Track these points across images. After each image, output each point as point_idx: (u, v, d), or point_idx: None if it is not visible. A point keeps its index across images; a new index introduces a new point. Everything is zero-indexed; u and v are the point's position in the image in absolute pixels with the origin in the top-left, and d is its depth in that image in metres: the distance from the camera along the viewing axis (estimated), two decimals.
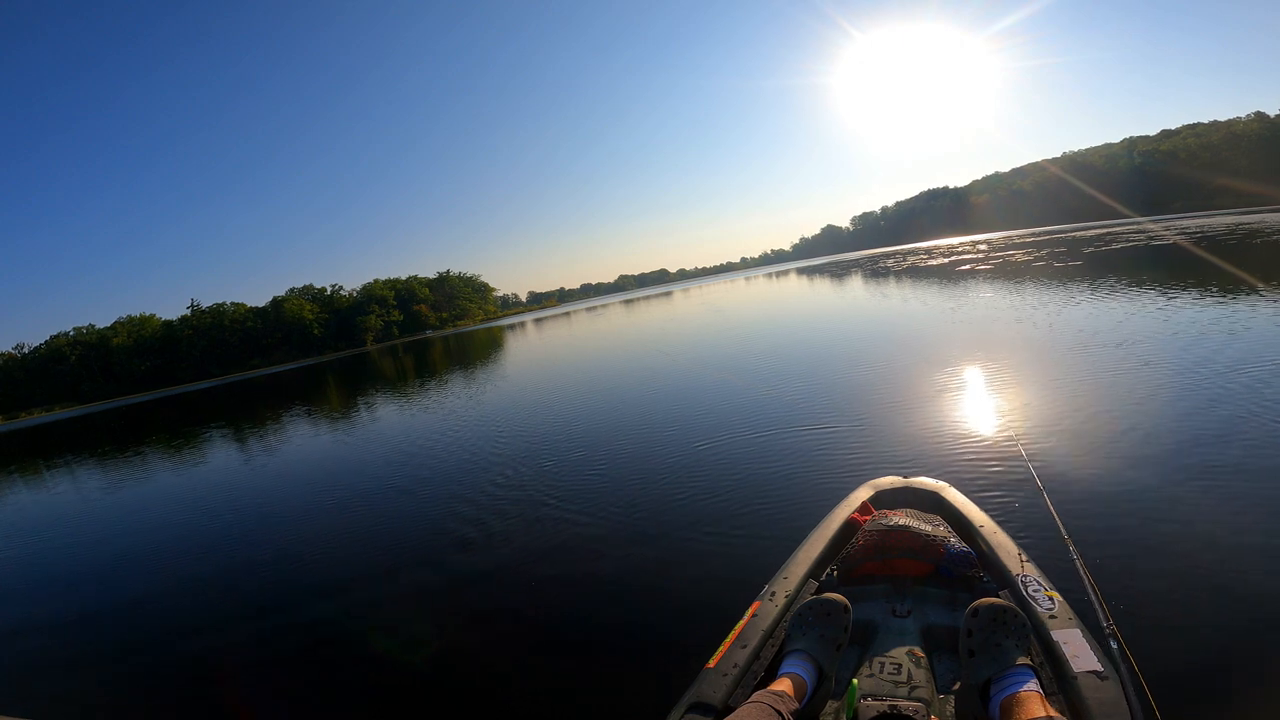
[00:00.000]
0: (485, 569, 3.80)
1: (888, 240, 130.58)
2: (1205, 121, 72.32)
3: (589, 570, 3.52)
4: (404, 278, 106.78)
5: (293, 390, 24.51)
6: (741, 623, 1.80)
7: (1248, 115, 66.98)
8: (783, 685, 1.46)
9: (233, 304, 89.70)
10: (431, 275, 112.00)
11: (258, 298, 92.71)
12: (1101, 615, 1.46)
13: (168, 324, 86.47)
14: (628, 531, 3.96)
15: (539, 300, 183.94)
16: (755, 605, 1.88)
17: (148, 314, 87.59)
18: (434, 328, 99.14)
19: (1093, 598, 1.53)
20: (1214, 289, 9.13)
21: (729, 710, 1.45)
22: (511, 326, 54.11)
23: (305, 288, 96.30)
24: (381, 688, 2.74)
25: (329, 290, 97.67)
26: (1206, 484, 3.21)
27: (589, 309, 61.66)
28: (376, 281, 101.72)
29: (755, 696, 1.40)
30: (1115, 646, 1.38)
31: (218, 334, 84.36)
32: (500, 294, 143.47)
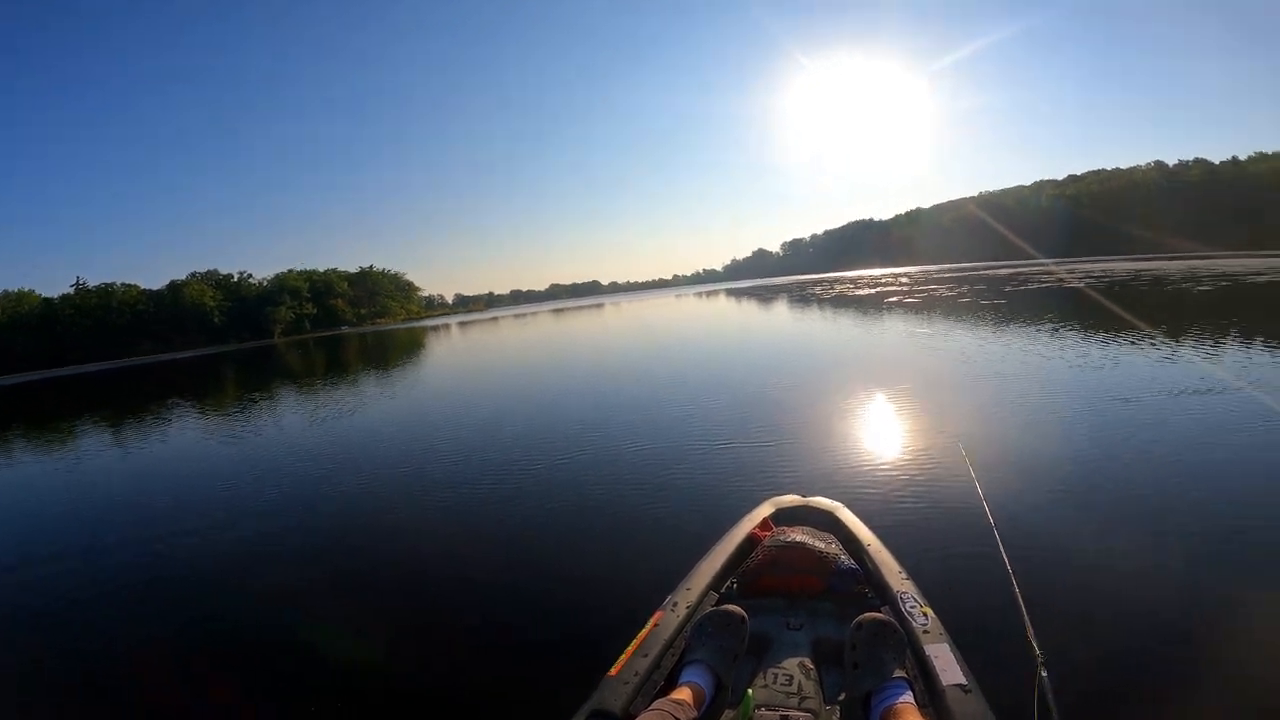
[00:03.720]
0: (387, 573, 3.68)
1: (815, 267, 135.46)
2: (1109, 168, 75.72)
3: (488, 576, 3.48)
4: (322, 270, 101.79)
5: (189, 379, 22.74)
6: (643, 632, 1.84)
7: (1147, 164, 69.77)
8: (682, 694, 1.50)
9: (124, 285, 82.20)
10: (354, 270, 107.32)
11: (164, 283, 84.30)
12: (1034, 644, 1.53)
13: (47, 301, 78.03)
14: (531, 539, 3.95)
15: (466, 303, 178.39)
16: (658, 615, 1.92)
17: (26, 289, 78.99)
18: (350, 324, 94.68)
19: (1026, 622, 1.62)
20: (1127, 331, 9.70)
21: (630, 718, 1.48)
22: (435, 328, 52.52)
23: (209, 273, 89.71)
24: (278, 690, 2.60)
25: (236, 277, 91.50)
26: (1122, 515, 3.40)
27: (517, 315, 60.78)
28: (290, 272, 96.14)
29: (655, 705, 1.44)
30: (1045, 675, 1.44)
31: (103, 315, 76.95)
32: (426, 294, 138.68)
